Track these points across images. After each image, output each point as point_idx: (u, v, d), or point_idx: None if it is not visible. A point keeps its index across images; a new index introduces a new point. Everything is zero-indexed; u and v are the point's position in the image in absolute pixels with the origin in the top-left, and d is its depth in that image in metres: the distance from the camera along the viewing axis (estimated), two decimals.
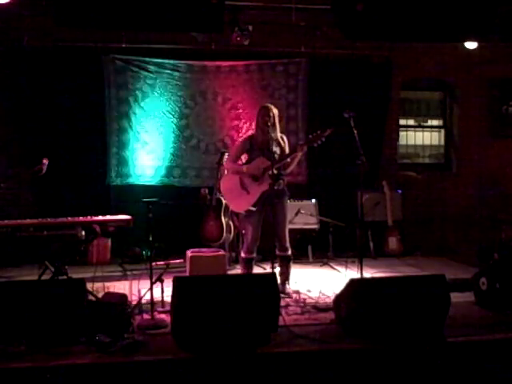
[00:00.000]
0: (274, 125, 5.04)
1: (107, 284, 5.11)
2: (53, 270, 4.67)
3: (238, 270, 6.01)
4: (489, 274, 4.61)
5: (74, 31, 6.61)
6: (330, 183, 7.47)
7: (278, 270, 5.07)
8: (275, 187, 4.87)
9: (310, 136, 4.93)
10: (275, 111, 5.08)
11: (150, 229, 4.31)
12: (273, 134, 4.99)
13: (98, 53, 6.96)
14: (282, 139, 5.14)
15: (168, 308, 4.17)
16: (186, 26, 5.05)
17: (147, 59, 7.15)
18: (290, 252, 5.15)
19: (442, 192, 8.04)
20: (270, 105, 5.21)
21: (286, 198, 5.17)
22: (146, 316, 4.23)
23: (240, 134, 7.25)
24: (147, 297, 4.34)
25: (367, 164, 4.92)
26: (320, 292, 5.10)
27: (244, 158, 5.33)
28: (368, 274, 5.67)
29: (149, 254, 4.53)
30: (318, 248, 7.03)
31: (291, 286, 5.22)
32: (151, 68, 7.18)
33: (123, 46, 6.90)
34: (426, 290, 3.94)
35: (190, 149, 7.31)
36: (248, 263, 5.18)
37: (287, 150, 5.10)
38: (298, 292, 5.09)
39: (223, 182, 5.46)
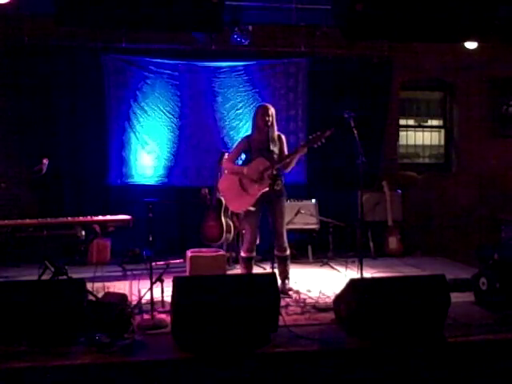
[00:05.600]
0: (272, 124, 5.03)
1: (107, 284, 5.10)
2: (53, 270, 4.67)
3: (238, 270, 6.01)
4: (489, 273, 4.61)
5: (74, 31, 6.62)
6: (330, 183, 7.47)
7: (277, 269, 5.07)
8: (274, 187, 4.86)
9: (310, 137, 4.92)
10: (273, 110, 5.07)
11: (150, 229, 4.30)
12: (271, 134, 5.01)
13: (98, 53, 6.97)
14: (280, 138, 5.14)
15: (168, 308, 4.17)
16: (186, 25, 5.04)
17: (147, 59, 7.15)
18: (288, 252, 5.15)
19: (442, 192, 8.04)
20: (267, 104, 5.18)
21: (284, 199, 5.17)
22: (146, 316, 4.23)
23: (240, 134, 7.26)
24: (147, 297, 4.34)
25: (367, 164, 4.92)
26: (320, 292, 5.09)
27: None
28: (368, 273, 5.67)
29: (149, 253, 4.53)
30: (318, 248, 7.02)
31: (291, 285, 5.22)
32: (151, 68, 7.18)
33: (123, 45, 6.89)
34: (426, 290, 3.94)
35: (190, 149, 7.31)
36: (248, 262, 5.19)
37: (285, 149, 5.11)
38: (298, 292, 5.08)
39: (222, 182, 5.47)
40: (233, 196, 5.22)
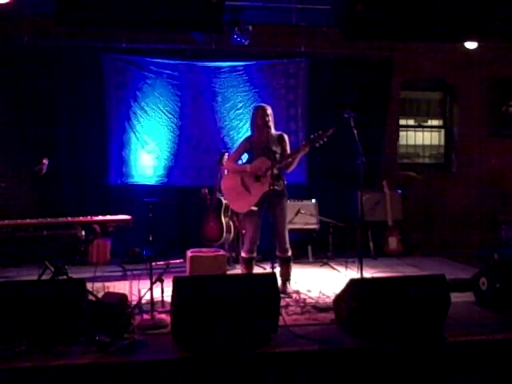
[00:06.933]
0: (270, 124, 5.06)
1: (107, 284, 5.10)
2: (53, 270, 4.67)
3: (238, 269, 6.01)
4: (489, 273, 4.61)
5: (74, 31, 6.62)
6: (330, 183, 7.47)
7: (278, 270, 5.07)
8: (275, 187, 4.86)
9: (312, 136, 4.92)
10: (270, 110, 5.11)
11: (150, 229, 4.31)
12: (272, 133, 5.03)
13: (97, 53, 6.97)
14: (282, 138, 5.14)
15: (168, 308, 4.17)
16: (186, 26, 5.04)
17: (147, 59, 7.16)
18: (290, 253, 5.14)
19: (442, 192, 8.05)
20: (265, 104, 5.23)
21: (286, 200, 5.16)
22: (145, 316, 4.23)
23: (240, 135, 7.26)
24: (147, 297, 4.34)
25: (367, 164, 4.92)
26: (320, 292, 5.09)
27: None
28: (368, 274, 5.68)
29: (149, 253, 4.53)
30: (318, 248, 7.03)
31: (291, 285, 5.21)
32: (151, 68, 7.18)
33: (123, 45, 6.90)
34: (426, 290, 3.94)
35: (190, 149, 7.31)
36: (248, 263, 5.18)
37: (288, 148, 5.11)
38: (298, 292, 5.08)
39: (224, 182, 5.46)
40: (235, 196, 5.20)
